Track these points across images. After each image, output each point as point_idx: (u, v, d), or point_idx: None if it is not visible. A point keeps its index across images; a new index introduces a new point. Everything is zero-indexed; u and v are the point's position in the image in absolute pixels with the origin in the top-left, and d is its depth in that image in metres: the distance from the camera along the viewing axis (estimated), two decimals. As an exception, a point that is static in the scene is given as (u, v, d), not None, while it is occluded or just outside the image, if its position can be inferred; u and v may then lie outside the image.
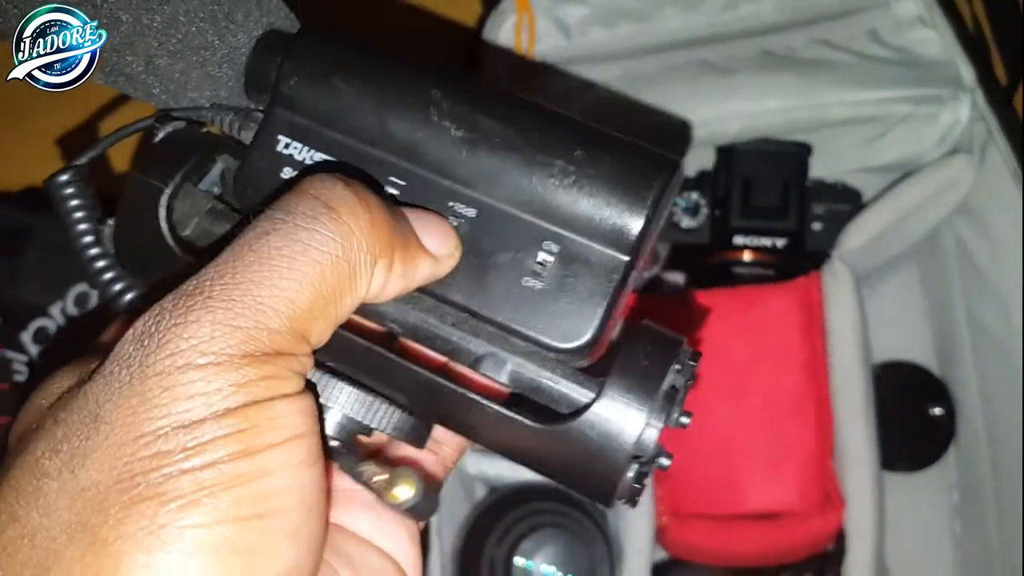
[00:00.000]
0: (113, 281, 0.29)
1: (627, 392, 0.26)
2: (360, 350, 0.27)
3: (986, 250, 0.70)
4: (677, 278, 0.78)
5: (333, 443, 0.27)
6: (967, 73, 0.67)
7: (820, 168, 0.73)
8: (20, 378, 0.71)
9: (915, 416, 0.77)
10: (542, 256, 0.26)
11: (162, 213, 0.28)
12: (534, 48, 0.70)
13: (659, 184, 0.26)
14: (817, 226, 0.72)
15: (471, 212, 0.27)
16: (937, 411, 0.77)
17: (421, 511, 0.27)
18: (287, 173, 0.28)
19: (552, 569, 0.67)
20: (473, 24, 0.77)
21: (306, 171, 0.27)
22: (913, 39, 0.68)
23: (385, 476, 0.26)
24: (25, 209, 0.74)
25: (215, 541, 0.20)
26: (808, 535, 0.68)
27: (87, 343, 0.28)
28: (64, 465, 0.21)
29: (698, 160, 0.74)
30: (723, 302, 0.70)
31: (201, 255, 0.28)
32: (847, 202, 0.73)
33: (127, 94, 0.29)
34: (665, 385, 0.26)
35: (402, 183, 0.27)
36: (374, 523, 0.28)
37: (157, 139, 0.29)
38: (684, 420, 0.26)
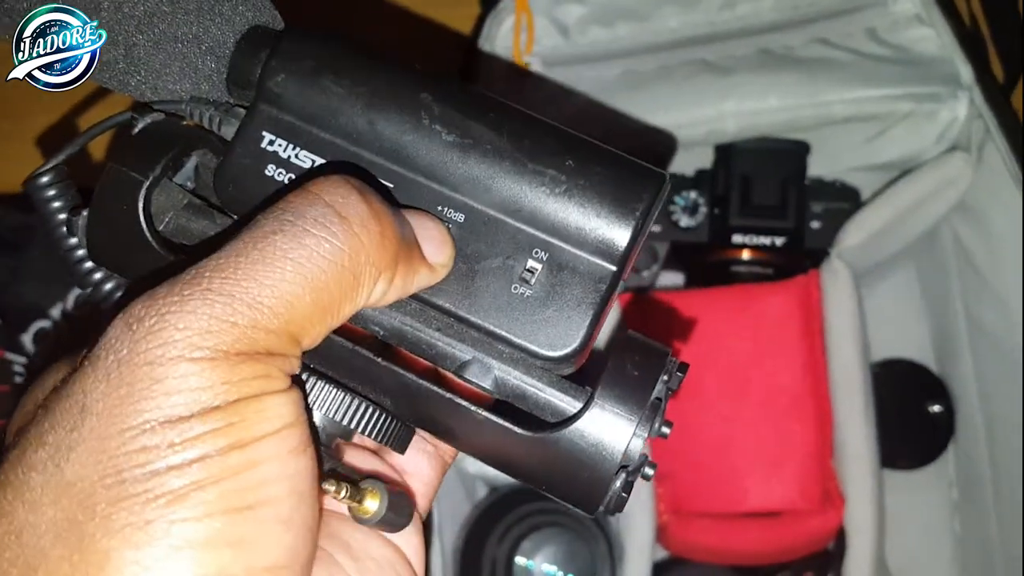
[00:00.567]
0: (102, 282, 0.29)
1: (617, 402, 0.26)
2: (344, 352, 0.27)
3: (984, 247, 0.70)
4: (676, 277, 0.78)
5: None
6: (965, 71, 0.67)
7: (818, 166, 0.73)
8: (20, 380, 0.71)
9: (914, 414, 0.78)
10: (531, 263, 0.26)
11: (140, 206, 0.28)
12: (532, 48, 0.70)
13: (648, 196, 0.26)
14: (816, 224, 0.72)
15: (459, 217, 0.27)
16: (936, 408, 0.77)
17: (391, 523, 0.27)
18: (271, 170, 0.27)
19: (553, 568, 0.67)
20: (471, 25, 0.77)
21: (306, 171, 0.27)
22: (911, 37, 0.69)
23: (348, 491, 0.26)
24: (25, 209, 0.74)
25: (206, 534, 0.20)
26: (808, 533, 0.68)
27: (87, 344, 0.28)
28: (49, 458, 0.20)
29: (697, 159, 0.74)
30: (722, 301, 0.70)
31: (178, 250, 0.28)
32: (846, 200, 0.73)
33: (103, 84, 0.28)
34: (653, 396, 0.26)
35: (390, 185, 0.27)
36: None
37: (136, 130, 0.29)
38: (665, 430, 0.26)
